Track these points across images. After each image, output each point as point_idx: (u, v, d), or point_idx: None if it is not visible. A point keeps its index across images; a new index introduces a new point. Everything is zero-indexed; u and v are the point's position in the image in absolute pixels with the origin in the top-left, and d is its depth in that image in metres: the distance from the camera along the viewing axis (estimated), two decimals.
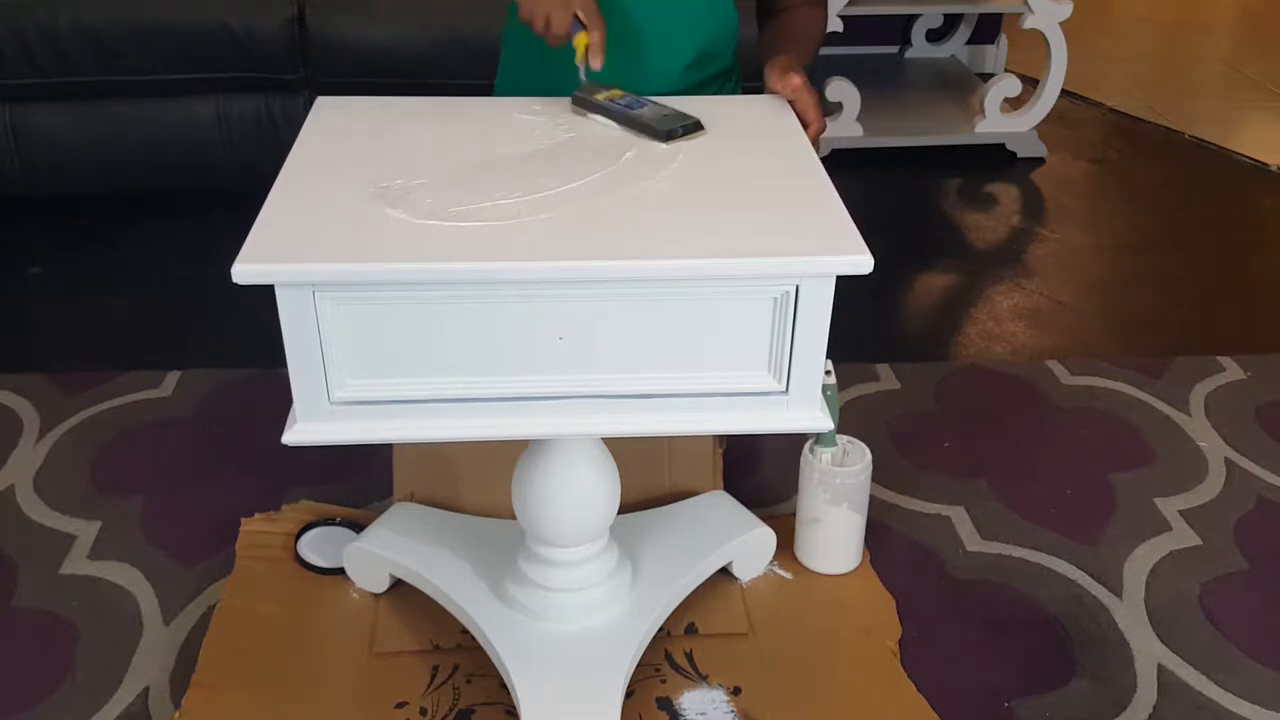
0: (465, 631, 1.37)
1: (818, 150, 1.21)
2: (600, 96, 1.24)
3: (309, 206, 1.02)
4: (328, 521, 1.53)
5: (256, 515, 1.57)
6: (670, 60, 1.40)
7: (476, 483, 1.53)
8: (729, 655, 1.39)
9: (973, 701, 1.35)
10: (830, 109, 2.69)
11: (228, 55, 2.25)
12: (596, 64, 1.23)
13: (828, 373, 1.40)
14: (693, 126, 1.19)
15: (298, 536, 1.51)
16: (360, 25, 2.26)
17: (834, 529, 1.49)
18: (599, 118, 1.23)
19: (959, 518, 1.63)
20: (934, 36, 3.31)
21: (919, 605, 1.48)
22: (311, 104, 1.24)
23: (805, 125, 1.24)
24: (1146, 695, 1.36)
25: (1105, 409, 1.88)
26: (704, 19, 1.40)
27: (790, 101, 1.26)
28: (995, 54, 3.37)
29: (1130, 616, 1.47)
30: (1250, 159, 2.89)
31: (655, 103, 1.23)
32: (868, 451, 1.49)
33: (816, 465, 1.47)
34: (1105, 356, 2.03)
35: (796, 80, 1.25)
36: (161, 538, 1.57)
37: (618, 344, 1.01)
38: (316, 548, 1.51)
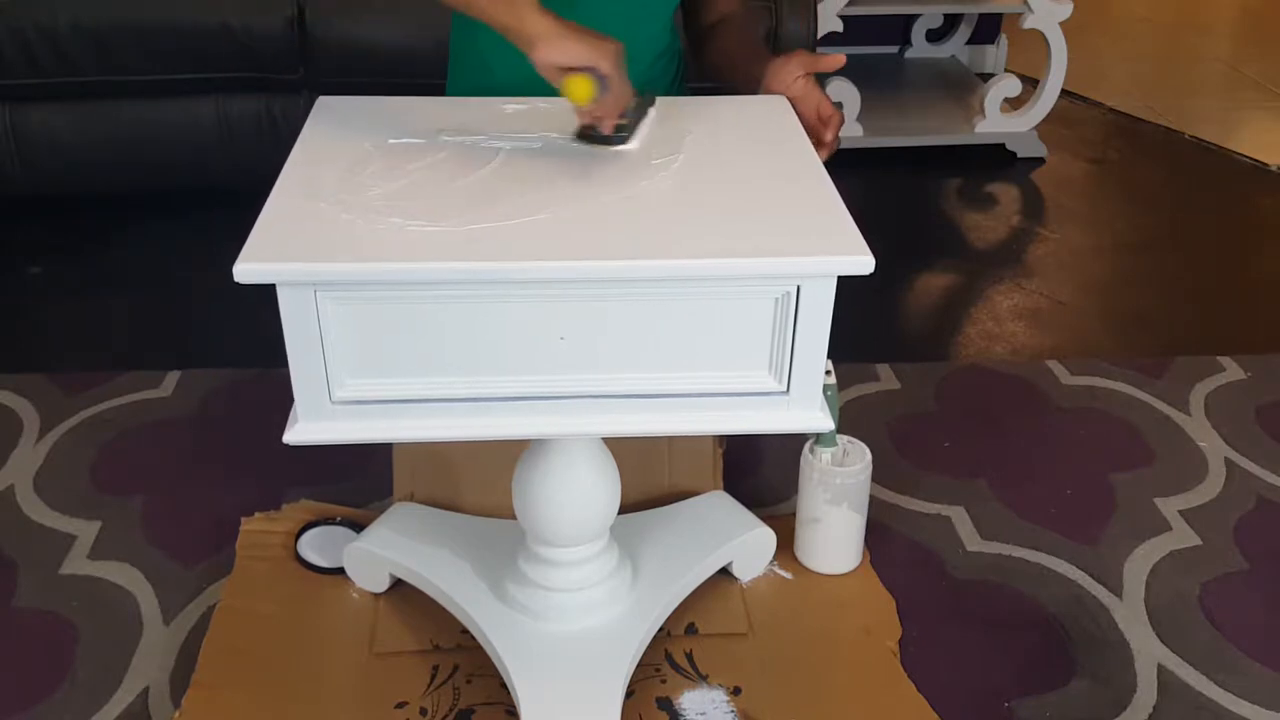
0: (465, 631, 1.37)
1: (838, 143, 1.24)
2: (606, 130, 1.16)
3: (310, 206, 1.02)
4: (328, 521, 1.53)
5: (256, 515, 1.57)
6: (639, 50, 1.40)
7: (476, 483, 1.53)
8: (729, 655, 1.39)
9: (973, 701, 1.35)
10: None
11: (228, 55, 2.25)
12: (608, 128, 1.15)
13: (828, 373, 1.40)
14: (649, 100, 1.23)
15: (298, 536, 1.51)
16: (360, 25, 2.26)
17: (834, 529, 1.49)
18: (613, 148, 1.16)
19: (959, 518, 1.63)
20: (934, 36, 3.31)
21: (919, 605, 1.48)
22: (311, 104, 1.24)
23: (825, 118, 1.25)
24: (1146, 695, 1.36)
25: (1105, 409, 1.88)
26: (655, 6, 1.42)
27: (800, 99, 1.27)
28: (995, 54, 3.37)
29: (1130, 616, 1.47)
30: (1250, 159, 2.89)
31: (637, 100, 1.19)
32: (868, 451, 1.49)
33: (816, 465, 1.47)
34: (1105, 356, 2.03)
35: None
36: (161, 538, 1.57)
37: (618, 344, 1.01)
38: (316, 547, 1.51)
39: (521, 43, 1.09)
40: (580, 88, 1.09)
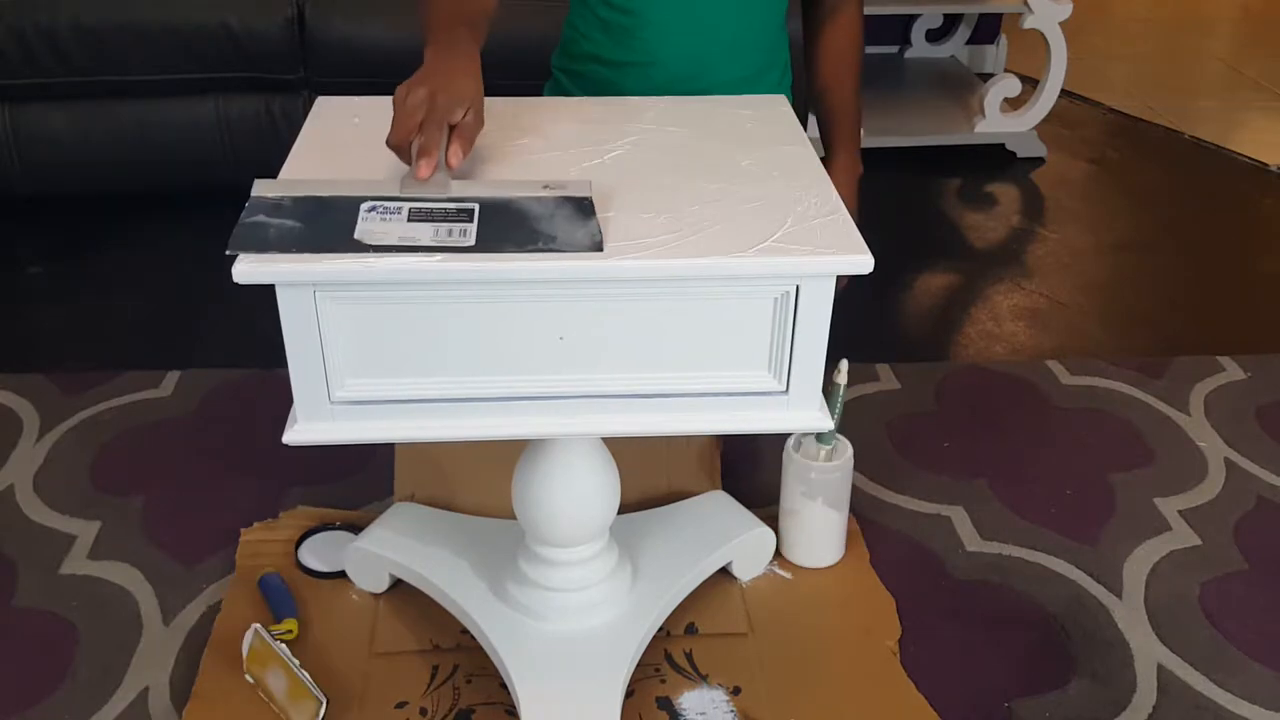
0: (465, 631, 1.37)
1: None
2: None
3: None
4: (327, 526, 1.53)
5: (255, 524, 1.56)
6: (736, 70, 1.44)
7: (476, 483, 1.53)
8: (729, 655, 1.39)
9: (973, 701, 1.35)
10: None
11: (228, 55, 2.25)
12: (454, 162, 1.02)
13: (838, 371, 1.40)
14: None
15: (298, 544, 1.51)
16: (360, 25, 2.26)
17: (812, 522, 1.49)
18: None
19: (959, 518, 1.63)
20: (934, 36, 3.31)
21: (919, 605, 1.47)
22: (311, 104, 1.24)
23: None
24: (1146, 695, 1.36)
25: (1105, 409, 1.88)
26: (768, 33, 1.46)
27: None
28: (995, 54, 3.37)
29: (1130, 616, 1.47)
30: (1250, 159, 2.89)
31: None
32: (849, 447, 1.49)
33: (794, 459, 1.47)
34: (1105, 356, 2.03)
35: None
36: (161, 538, 1.57)
37: (618, 344, 1.01)
38: (317, 553, 1.51)
39: None
40: None
